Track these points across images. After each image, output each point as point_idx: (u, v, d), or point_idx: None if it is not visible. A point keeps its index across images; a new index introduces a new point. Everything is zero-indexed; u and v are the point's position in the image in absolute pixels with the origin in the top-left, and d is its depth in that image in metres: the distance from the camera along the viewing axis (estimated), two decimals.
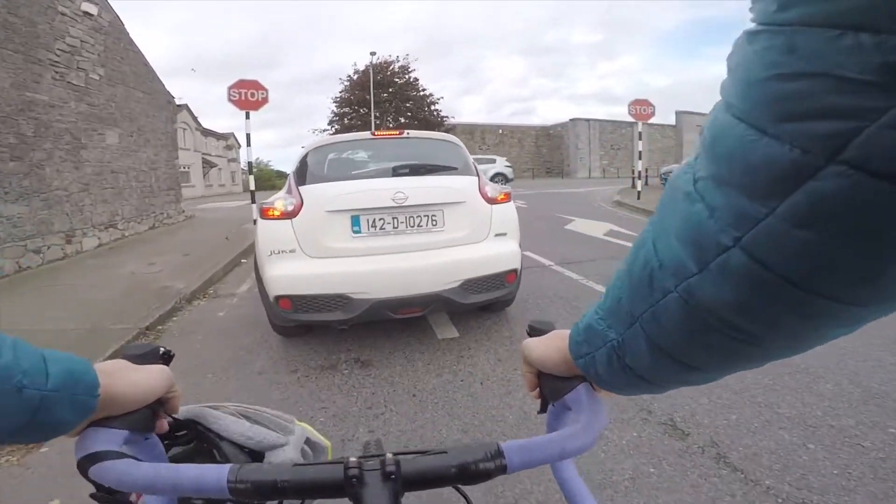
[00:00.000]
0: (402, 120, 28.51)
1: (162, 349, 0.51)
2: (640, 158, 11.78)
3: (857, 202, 0.18)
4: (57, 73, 6.32)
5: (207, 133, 34.53)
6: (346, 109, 28.51)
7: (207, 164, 32.42)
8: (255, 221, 8.07)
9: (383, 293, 2.60)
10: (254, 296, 4.36)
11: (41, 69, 6.01)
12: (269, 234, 2.74)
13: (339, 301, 2.59)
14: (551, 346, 0.45)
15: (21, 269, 5.58)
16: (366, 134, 3.32)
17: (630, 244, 4.12)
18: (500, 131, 37.42)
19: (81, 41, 6.87)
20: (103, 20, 7.42)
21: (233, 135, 40.88)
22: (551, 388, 0.46)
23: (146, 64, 9.05)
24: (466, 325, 3.38)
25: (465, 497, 0.50)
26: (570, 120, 36.39)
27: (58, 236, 6.25)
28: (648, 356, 0.32)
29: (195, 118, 30.71)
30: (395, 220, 2.77)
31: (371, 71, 26.07)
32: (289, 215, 2.70)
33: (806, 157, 0.19)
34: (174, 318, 3.87)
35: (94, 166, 7.10)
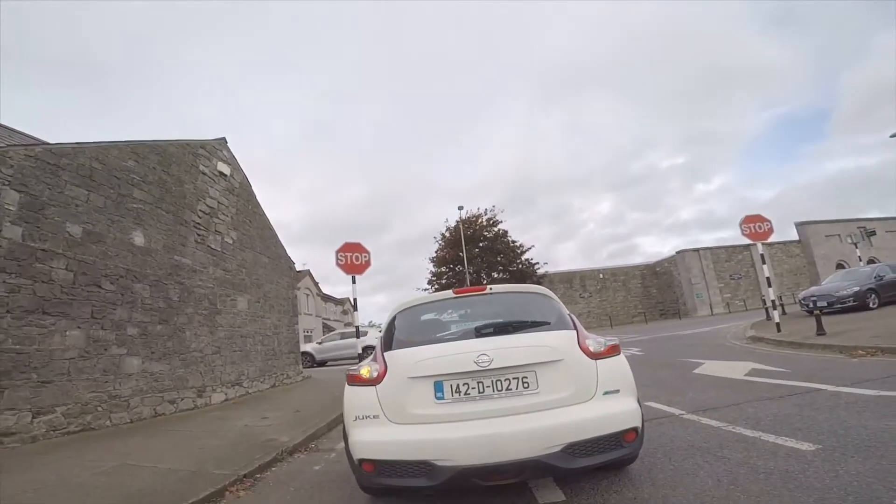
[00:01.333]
0: (495, 274, 29.26)
1: None
2: (769, 285, 10.29)
3: None
4: (199, 235, 7.52)
5: (327, 298, 39.02)
6: (443, 268, 30.05)
7: (327, 329, 35.76)
8: None
9: (470, 461, 2.42)
10: None
11: (186, 231, 7.27)
12: (354, 399, 2.78)
13: (422, 468, 2.47)
14: None
15: (156, 415, 6.25)
16: (448, 293, 3.37)
17: (781, 381, 4.44)
18: (601, 275, 36.69)
19: (218, 202, 8.19)
20: (234, 181, 8.86)
21: (348, 300, 45.62)
22: None
23: (270, 228, 10.48)
24: (575, 485, 2.81)
25: None
26: (677, 253, 34.59)
27: (191, 391, 6.98)
28: None
29: (316, 283, 35.19)
30: (480, 385, 2.60)
31: (461, 226, 28.07)
32: (373, 382, 2.73)
33: None
34: (273, 469, 3.91)
35: (227, 330, 8.17)
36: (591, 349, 2.75)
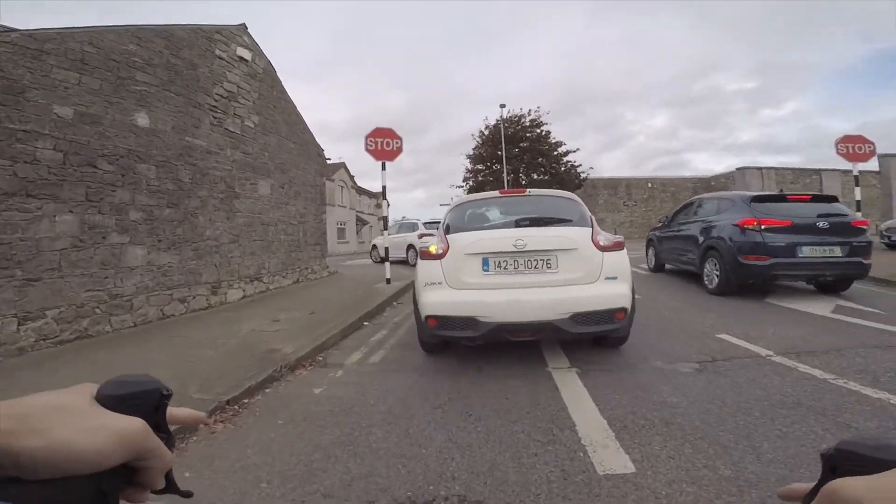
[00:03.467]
0: (535, 176, 27.89)
1: (164, 390, 0.35)
2: (858, 209, 8.85)
3: None
4: (215, 118, 6.83)
5: (361, 192, 38.71)
6: (480, 166, 29.05)
7: (360, 222, 35.99)
8: (387, 280, 7.94)
9: (503, 318, 3.24)
10: (363, 371, 3.76)
11: (200, 114, 6.55)
12: (425, 269, 3.57)
13: (469, 322, 3.29)
14: None
15: (164, 317, 5.90)
16: (495, 193, 4.35)
17: (883, 326, 4.32)
18: (650, 185, 34.24)
19: (238, 87, 7.41)
20: (257, 66, 8.06)
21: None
22: None
23: (297, 114, 9.65)
24: (647, 449, 2.21)
25: None
26: (737, 169, 31.50)
27: (204, 287, 6.65)
28: None
29: (351, 176, 34.68)
30: (516, 262, 3.43)
31: (502, 125, 26.22)
32: (439, 257, 3.54)
33: None
34: (266, 390, 3.42)
35: (246, 217, 7.65)
36: (601, 243, 3.46)
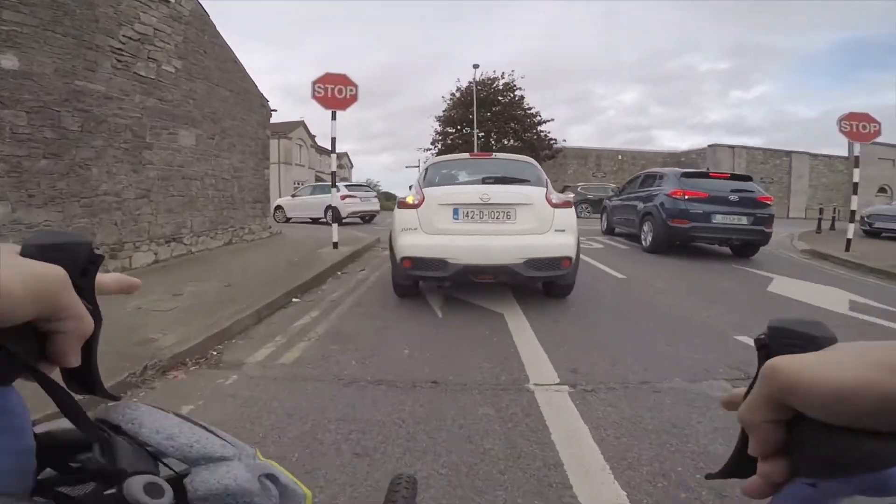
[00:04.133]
0: (506, 142, 26.79)
1: (96, 249, 0.30)
2: (855, 192, 8.25)
3: None
4: (119, 61, 5.46)
5: (321, 151, 36.35)
6: (450, 129, 27.59)
7: (320, 182, 33.89)
8: (334, 244, 6.75)
9: (469, 260, 3.74)
10: (265, 377, 2.66)
11: (98, 56, 5.15)
12: (402, 217, 4.03)
13: (440, 263, 3.76)
14: (862, 367, 0.23)
15: None
16: (465, 155, 5.41)
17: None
18: (620, 157, 33.77)
19: (155, 29, 6.05)
20: (183, 8, 6.63)
21: (346, 154, 42.92)
22: (834, 449, 0.23)
23: (235, 61, 8.24)
24: None
25: None
26: (709, 146, 31.43)
27: (100, 250, 5.29)
28: None
29: (312, 136, 32.34)
30: (482, 213, 3.94)
31: (474, 87, 24.63)
32: (415, 206, 4.00)
33: None
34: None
35: (161, 170, 6.21)
36: (553, 201, 4.00)
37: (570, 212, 4.05)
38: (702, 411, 2.24)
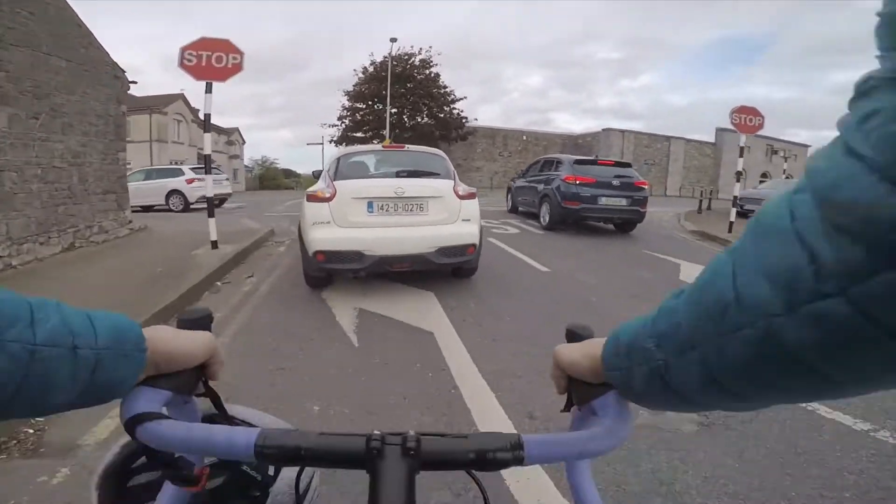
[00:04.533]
0: (419, 119, 25.95)
1: (211, 314, 0.51)
2: (738, 180, 9.08)
3: None
4: None
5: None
6: (360, 105, 25.97)
7: (201, 160, 29.99)
8: (213, 244, 5.50)
9: (385, 251, 3.88)
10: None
11: None
12: (312, 210, 3.99)
13: (355, 255, 3.84)
14: (585, 354, 0.45)
15: None
16: (378, 146, 5.54)
17: None
18: (525, 137, 34.79)
19: None
20: None
21: (237, 130, 38.61)
22: (580, 392, 0.46)
23: (79, 25, 6.46)
24: None
25: (479, 483, 0.46)
26: (603, 130, 33.61)
27: None
28: (699, 383, 0.32)
29: (193, 109, 28.31)
30: (396, 206, 4.05)
31: (390, 61, 23.26)
32: (327, 199, 3.96)
33: None
34: None
35: None
36: (460, 193, 4.25)
37: (475, 202, 4.35)
38: (671, 445, 1.81)
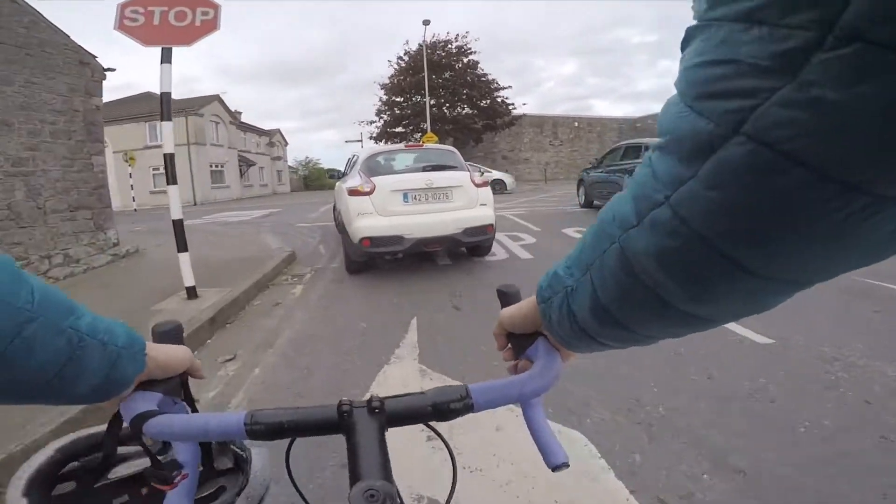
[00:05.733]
0: (460, 109, 23.91)
1: (181, 325, 0.53)
2: None
3: (752, 168, 0.21)
4: None
5: (246, 128, 31.70)
6: (397, 98, 24.26)
7: (245, 163, 29.49)
8: (189, 291, 3.78)
9: (421, 234, 4.47)
10: None
11: None
12: (357, 203, 4.51)
13: (396, 239, 4.42)
14: (520, 308, 0.48)
15: None
16: (401, 146, 6.10)
17: None
18: (576, 124, 31.83)
19: None
20: None
21: (278, 131, 38.20)
22: (517, 344, 0.50)
23: (13, 1, 4.97)
24: None
25: (439, 434, 0.51)
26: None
27: None
28: (589, 307, 0.35)
29: (230, 111, 27.75)
30: (427, 195, 4.64)
31: (424, 48, 21.22)
32: (368, 193, 4.51)
33: (718, 128, 0.22)
34: None
35: None
36: (476, 182, 4.87)
37: (488, 190, 5.00)
38: None
